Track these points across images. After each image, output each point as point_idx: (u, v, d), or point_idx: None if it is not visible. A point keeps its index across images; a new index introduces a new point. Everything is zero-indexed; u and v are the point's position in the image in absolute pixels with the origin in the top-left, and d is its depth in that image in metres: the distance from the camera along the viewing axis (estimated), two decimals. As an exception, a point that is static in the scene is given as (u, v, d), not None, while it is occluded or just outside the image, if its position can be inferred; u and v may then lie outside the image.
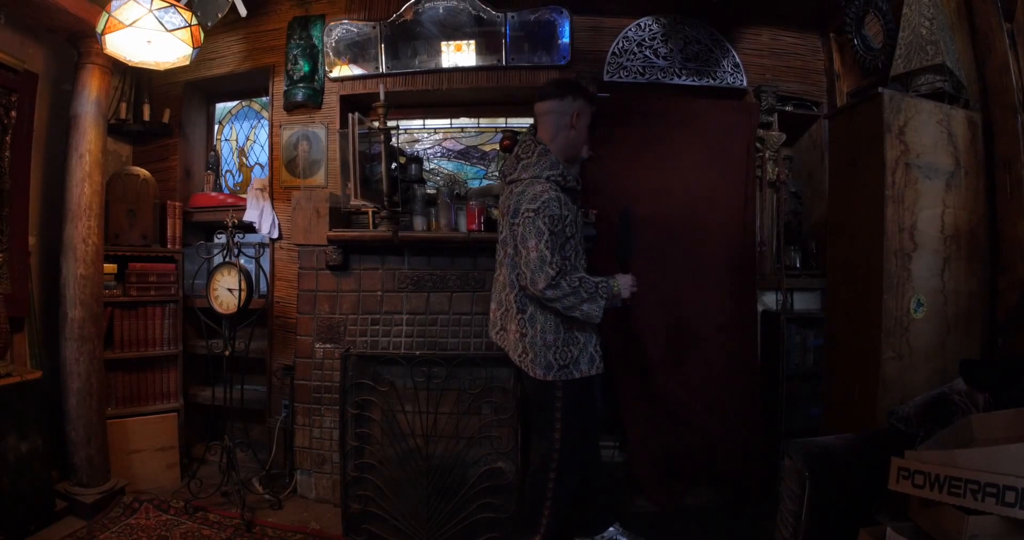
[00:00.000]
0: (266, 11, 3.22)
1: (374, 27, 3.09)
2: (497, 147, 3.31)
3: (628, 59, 3.04)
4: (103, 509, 2.55)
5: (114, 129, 3.09)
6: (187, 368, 3.18)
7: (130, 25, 2.08)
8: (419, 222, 2.78)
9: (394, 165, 2.56)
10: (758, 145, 3.03)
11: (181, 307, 3.13)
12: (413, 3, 3.05)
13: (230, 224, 2.80)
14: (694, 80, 3.06)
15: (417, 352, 2.58)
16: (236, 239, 2.84)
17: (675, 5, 3.06)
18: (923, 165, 2.09)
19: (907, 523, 1.44)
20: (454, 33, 3.09)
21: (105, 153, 2.76)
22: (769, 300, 3.08)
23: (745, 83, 3.07)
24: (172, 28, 2.14)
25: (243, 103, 3.63)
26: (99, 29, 2.12)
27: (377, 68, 3.11)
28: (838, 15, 2.73)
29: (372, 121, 2.54)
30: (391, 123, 2.54)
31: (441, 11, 3.06)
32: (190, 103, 3.44)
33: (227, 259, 2.82)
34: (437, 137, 3.44)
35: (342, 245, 2.73)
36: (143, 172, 3.10)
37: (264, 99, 3.43)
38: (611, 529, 2.30)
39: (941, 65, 2.16)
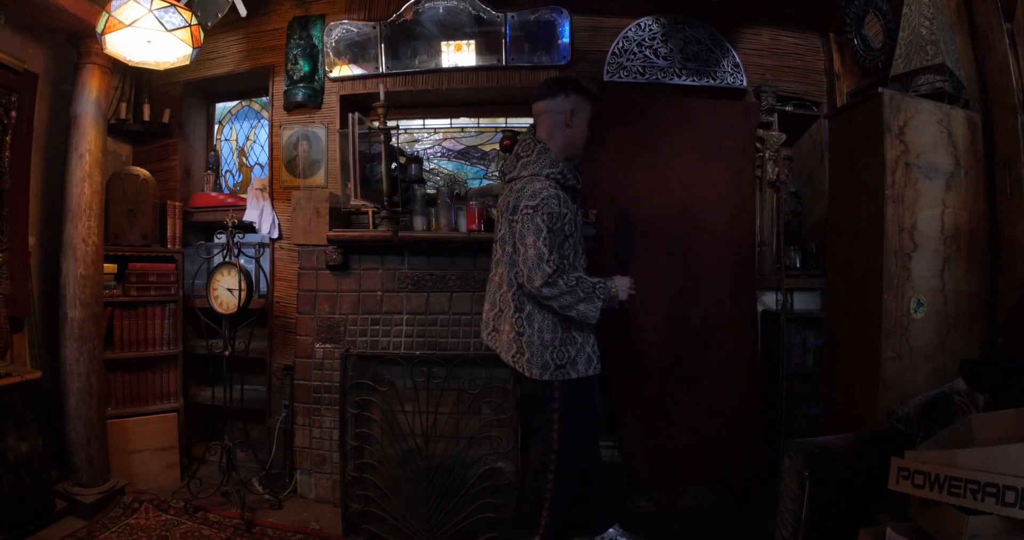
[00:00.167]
0: (266, 11, 3.22)
1: (374, 27, 3.09)
2: (497, 147, 3.31)
3: (628, 59, 3.04)
4: (103, 509, 2.55)
5: (114, 129, 3.09)
6: (187, 368, 3.18)
7: (130, 25, 2.07)
8: (419, 222, 2.78)
9: (394, 165, 2.56)
10: (758, 145, 3.03)
11: (181, 307, 3.13)
12: (413, 3, 3.05)
13: (230, 224, 2.80)
14: (694, 80, 3.06)
15: (417, 352, 2.58)
16: (236, 239, 2.84)
17: (675, 5, 3.07)
18: (923, 165, 2.08)
19: (907, 523, 1.44)
20: (454, 33, 3.09)
21: (105, 153, 2.76)
22: (769, 300, 3.08)
23: (745, 83, 3.07)
24: (172, 28, 2.14)
25: (243, 103, 3.64)
26: (99, 29, 2.12)
27: (377, 68, 3.11)
28: (838, 15, 2.74)
29: (372, 121, 2.54)
30: (391, 123, 2.54)
31: (441, 11, 3.06)
32: (190, 103, 3.44)
33: (227, 259, 2.82)
34: (437, 137, 3.44)
35: (342, 245, 2.73)
36: (143, 172, 3.10)
37: (264, 99, 3.43)
38: (611, 530, 2.30)
39: (941, 65, 2.15)
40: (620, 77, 3.03)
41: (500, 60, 3.05)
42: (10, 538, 2.22)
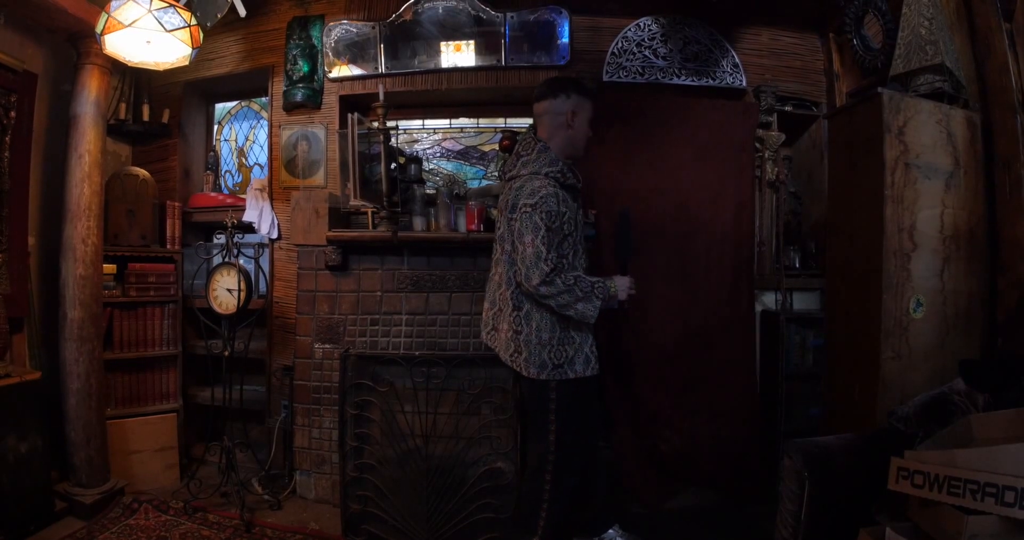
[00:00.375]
0: (265, 11, 3.22)
1: (373, 27, 3.09)
2: (496, 147, 3.31)
3: (627, 59, 3.04)
4: (102, 509, 2.55)
5: (113, 129, 3.09)
6: (186, 368, 3.18)
7: (129, 25, 2.07)
8: (418, 222, 2.78)
9: (393, 165, 2.56)
10: (757, 145, 3.03)
11: (180, 307, 3.13)
12: (412, 3, 3.05)
13: (229, 224, 2.80)
14: (693, 80, 3.06)
15: (416, 352, 2.57)
16: (235, 239, 2.84)
17: (674, 5, 3.07)
18: (922, 165, 2.08)
19: (907, 523, 1.44)
20: (453, 33, 3.09)
21: (104, 153, 2.77)
22: (769, 300, 3.08)
23: (744, 83, 3.07)
24: (171, 28, 2.14)
25: (242, 103, 3.64)
26: (98, 29, 2.12)
27: (376, 68, 3.11)
28: (837, 15, 2.74)
29: (371, 121, 2.54)
30: (390, 123, 2.54)
31: (440, 11, 3.06)
32: (189, 103, 3.44)
33: (226, 259, 2.82)
34: (436, 137, 3.44)
35: (341, 245, 2.73)
36: (142, 172, 3.10)
37: (263, 99, 3.43)
38: (611, 531, 2.30)
39: (940, 65, 2.15)
40: (619, 77, 3.03)
41: (499, 60, 3.05)
42: (10, 538, 2.22)
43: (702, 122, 2.93)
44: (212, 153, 3.56)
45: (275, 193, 3.23)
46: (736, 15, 3.08)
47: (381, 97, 2.48)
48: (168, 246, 3.14)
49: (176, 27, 2.16)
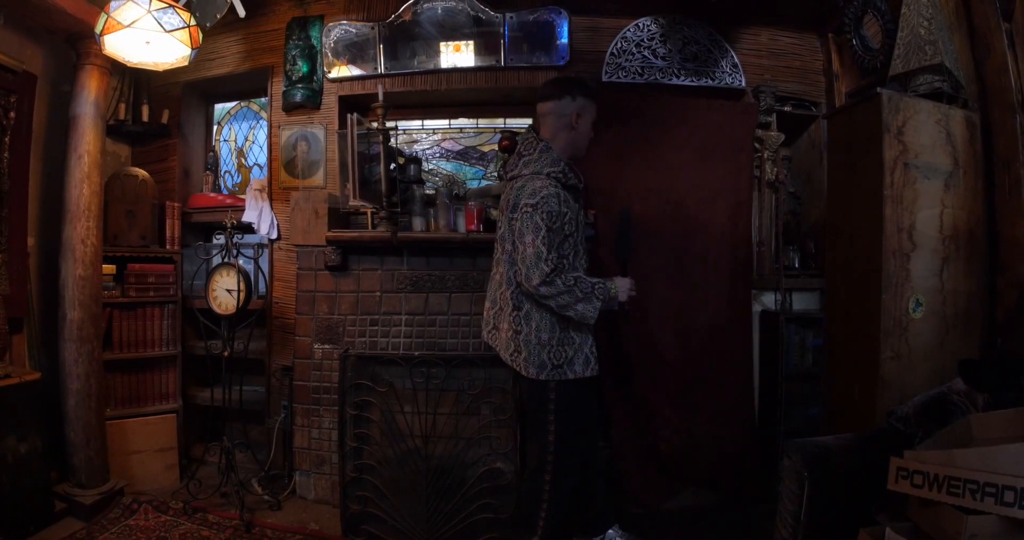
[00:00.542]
0: (265, 12, 3.22)
1: (372, 28, 3.09)
2: (496, 148, 3.31)
3: (627, 59, 3.04)
4: (102, 510, 2.55)
5: (113, 130, 3.09)
6: (186, 369, 3.18)
7: (129, 26, 2.08)
8: (418, 223, 2.78)
9: (393, 166, 2.56)
10: (756, 145, 3.03)
11: (180, 308, 3.13)
12: (411, 4, 3.05)
13: (229, 225, 2.80)
14: (692, 80, 3.06)
15: (416, 353, 2.57)
16: (235, 240, 2.84)
17: (673, 5, 3.06)
18: (922, 165, 2.09)
19: (906, 523, 1.44)
20: (453, 34, 3.09)
21: (104, 154, 2.77)
22: (768, 300, 3.08)
23: (744, 83, 3.07)
24: (171, 29, 2.14)
25: (242, 104, 3.63)
26: (98, 30, 2.12)
27: (376, 69, 3.11)
28: (837, 15, 2.74)
29: (371, 122, 2.54)
30: (390, 124, 2.54)
31: (440, 12, 3.06)
32: (189, 104, 3.44)
33: (226, 260, 2.82)
34: (436, 138, 3.44)
35: (341, 246, 2.73)
36: (142, 173, 3.10)
37: (263, 100, 3.43)
38: (611, 531, 2.29)
39: (939, 65, 2.16)
40: (619, 77, 3.03)
41: (499, 61, 3.05)
42: (9, 539, 2.21)
43: (701, 122, 2.93)
44: (211, 153, 3.56)
45: (274, 193, 3.23)
46: (735, 15, 3.08)
47: (380, 97, 2.48)
48: (167, 246, 3.14)
49: (175, 27, 2.16)
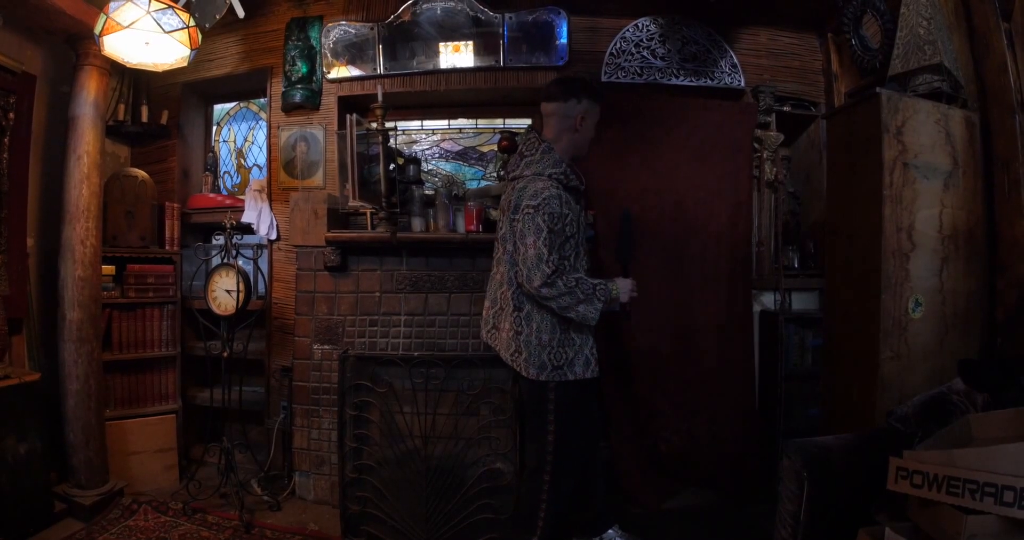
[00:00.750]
0: (264, 12, 3.22)
1: (372, 28, 3.09)
2: (495, 148, 3.31)
3: (626, 60, 3.04)
4: (102, 511, 2.55)
5: (112, 131, 3.09)
6: (185, 369, 3.18)
7: (128, 27, 2.08)
8: (417, 223, 2.78)
9: (392, 166, 2.55)
10: (756, 145, 3.03)
11: (179, 308, 3.13)
12: (411, 4, 3.05)
13: (228, 225, 2.80)
14: (692, 80, 3.06)
15: (415, 353, 2.57)
16: (234, 240, 2.84)
17: (673, 5, 3.07)
18: (921, 165, 2.08)
19: (906, 523, 1.44)
20: (452, 34, 3.09)
21: (103, 154, 2.77)
22: (767, 300, 3.08)
23: (743, 83, 3.07)
24: (170, 30, 2.14)
25: (241, 104, 3.63)
26: (97, 31, 2.12)
27: (375, 69, 3.11)
28: (836, 15, 2.74)
29: (370, 122, 2.54)
30: (389, 124, 2.54)
31: (439, 12, 3.06)
32: (188, 104, 3.44)
33: (225, 260, 2.82)
34: (435, 138, 3.44)
35: (340, 246, 2.73)
36: (141, 173, 3.10)
37: (262, 100, 3.43)
38: (610, 531, 2.30)
39: (939, 65, 2.15)
40: (618, 78, 3.03)
41: (498, 61, 3.05)
42: (9, 540, 2.22)
43: (700, 122, 2.93)
44: (211, 154, 3.56)
45: (274, 194, 3.23)
46: (734, 15, 3.08)
47: (380, 98, 2.48)
48: (167, 247, 3.14)
49: (175, 28, 2.16)
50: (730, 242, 2.92)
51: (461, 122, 3.43)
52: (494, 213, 2.68)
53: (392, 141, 2.59)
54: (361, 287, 2.79)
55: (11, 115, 2.51)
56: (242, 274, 2.78)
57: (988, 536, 1.24)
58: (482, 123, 3.43)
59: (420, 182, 2.91)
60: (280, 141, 3.23)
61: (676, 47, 3.06)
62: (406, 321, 2.77)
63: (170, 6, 2.15)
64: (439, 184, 3.34)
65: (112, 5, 2.09)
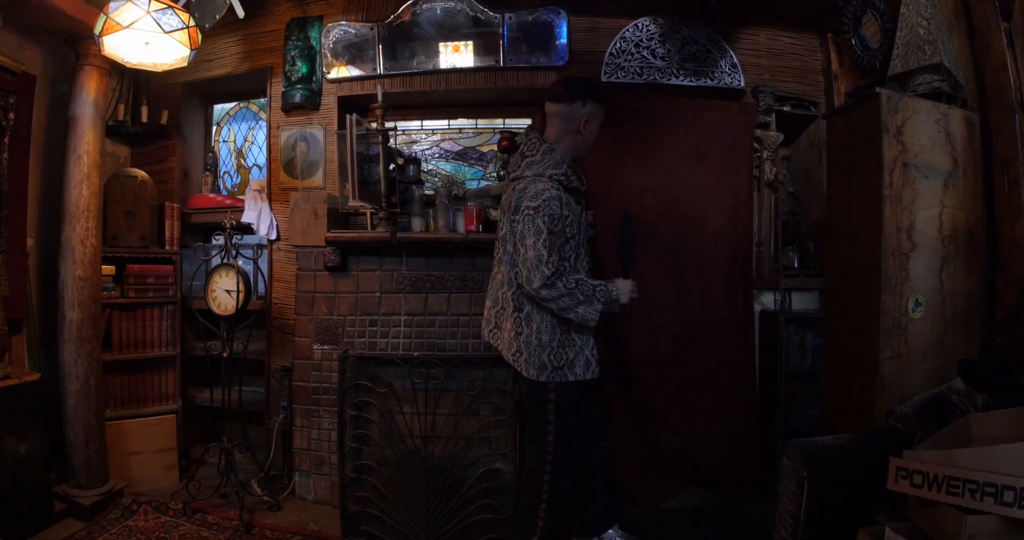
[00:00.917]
0: (264, 12, 3.22)
1: (372, 28, 3.09)
2: (495, 148, 3.31)
3: (626, 60, 3.04)
4: (102, 511, 2.55)
5: (112, 131, 3.09)
6: (185, 370, 3.18)
7: (128, 27, 2.08)
8: (417, 223, 2.78)
9: (392, 166, 2.56)
10: (756, 145, 3.03)
11: (179, 309, 3.13)
12: (410, 4, 3.05)
13: (228, 225, 2.80)
14: (692, 80, 3.06)
15: (415, 353, 2.57)
16: (234, 240, 2.84)
17: (672, 5, 3.06)
18: (921, 165, 2.09)
19: (906, 523, 1.44)
20: (452, 34, 3.09)
21: (103, 154, 2.77)
22: (767, 300, 3.08)
23: (743, 83, 3.07)
24: (170, 30, 2.14)
25: (241, 104, 3.63)
26: (97, 31, 2.12)
27: (375, 69, 3.11)
28: (836, 15, 2.73)
29: (370, 122, 2.54)
30: (389, 124, 2.54)
31: (439, 12, 3.06)
32: (188, 104, 3.44)
33: (225, 260, 2.82)
34: (435, 138, 3.44)
35: (340, 246, 2.73)
36: (141, 173, 3.10)
37: (262, 100, 3.43)
38: (610, 531, 2.30)
39: (939, 65, 2.15)
40: (618, 78, 3.03)
41: (498, 61, 3.04)
42: (9, 540, 2.22)
43: (700, 122, 2.93)
44: (211, 154, 3.56)
45: (274, 194, 3.23)
46: (734, 15, 3.08)
47: (379, 98, 2.48)
48: (167, 247, 3.14)
49: (174, 28, 2.16)
50: (730, 242, 2.91)
51: (461, 122, 3.43)
52: (494, 213, 2.68)
53: (392, 141, 2.59)
54: (361, 287, 2.79)
55: (11, 115, 2.51)
56: (242, 274, 2.78)
57: (988, 536, 1.24)
58: (482, 123, 3.42)
59: (420, 182, 2.91)
60: (280, 141, 3.23)
61: (676, 47, 3.06)
62: (406, 321, 2.77)
63: (170, 6, 2.15)
64: (439, 184, 3.34)
65: (112, 5, 2.09)
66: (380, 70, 3.10)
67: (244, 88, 3.46)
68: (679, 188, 2.90)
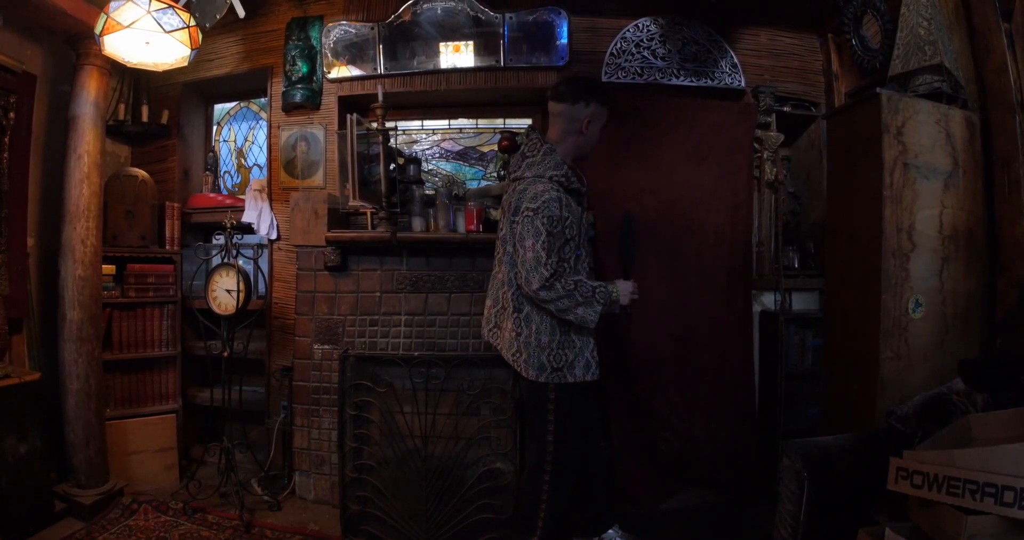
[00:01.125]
0: (264, 12, 3.22)
1: (372, 28, 3.09)
2: (495, 148, 3.31)
3: (626, 60, 3.04)
4: (102, 510, 2.55)
5: (112, 130, 3.09)
6: (185, 369, 3.18)
7: (128, 26, 2.07)
8: (417, 223, 2.78)
9: (392, 166, 2.55)
10: (756, 145, 3.03)
11: (179, 308, 3.13)
12: (411, 4, 3.05)
13: (228, 225, 2.79)
14: (692, 81, 3.06)
15: (415, 353, 2.57)
16: (234, 240, 2.83)
17: (673, 6, 3.06)
18: (921, 165, 2.09)
19: (906, 523, 1.44)
20: (452, 34, 3.09)
21: (103, 154, 2.77)
22: (768, 300, 3.08)
23: (743, 84, 3.07)
24: (170, 29, 2.14)
25: (241, 104, 3.63)
26: (97, 30, 2.12)
27: (375, 69, 3.11)
28: (836, 15, 2.74)
29: (370, 122, 2.54)
30: (389, 124, 2.54)
31: (439, 12, 3.06)
32: (188, 104, 3.44)
33: (225, 260, 2.82)
34: (435, 138, 3.44)
35: (340, 246, 2.73)
36: (141, 173, 3.10)
37: (262, 100, 3.43)
38: (610, 531, 2.29)
39: (939, 65, 2.16)
40: (618, 78, 3.03)
41: (498, 61, 3.05)
42: (9, 539, 2.21)
43: (700, 122, 2.92)
44: (211, 154, 3.56)
45: (274, 194, 3.23)
46: (734, 15, 3.08)
47: (380, 98, 2.48)
48: (167, 247, 3.14)
49: (175, 28, 2.16)
50: (730, 242, 2.92)
51: (461, 122, 3.43)
52: (494, 213, 2.68)
53: (392, 141, 2.59)
54: (361, 287, 2.79)
55: (11, 115, 2.51)
56: (242, 274, 2.78)
57: (988, 536, 1.24)
58: (482, 123, 3.43)
59: (420, 182, 2.91)
60: (280, 141, 3.23)
61: (676, 47, 3.06)
62: (406, 321, 2.77)
63: (170, 6, 2.15)
64: (439, 184, 3.34)
65: (112, 5, 2.09)
66: (380, 70, 3.10)
67: (244, 88, 3.46)
68: (679, 188, 2.90)
